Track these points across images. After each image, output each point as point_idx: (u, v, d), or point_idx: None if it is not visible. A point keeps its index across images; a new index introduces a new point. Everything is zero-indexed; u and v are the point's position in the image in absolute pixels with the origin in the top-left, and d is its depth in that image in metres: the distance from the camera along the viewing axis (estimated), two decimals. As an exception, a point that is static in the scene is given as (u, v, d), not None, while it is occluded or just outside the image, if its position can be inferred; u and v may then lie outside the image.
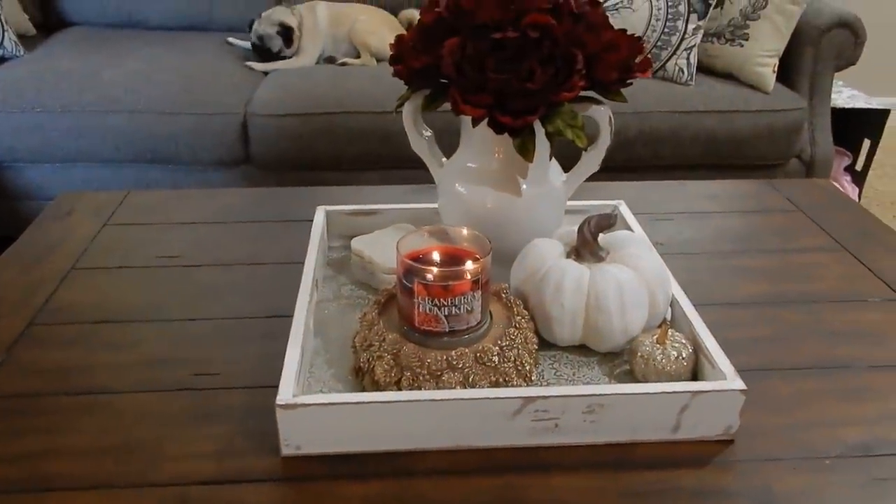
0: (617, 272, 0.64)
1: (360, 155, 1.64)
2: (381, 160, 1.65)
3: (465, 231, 0.63)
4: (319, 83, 1.68)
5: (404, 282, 0.57)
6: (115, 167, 1.65)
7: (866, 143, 2.23)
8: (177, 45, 1.87)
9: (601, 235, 0.68)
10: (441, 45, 0.65)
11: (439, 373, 0.56)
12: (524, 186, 0.72)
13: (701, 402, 0.55)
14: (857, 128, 2.05)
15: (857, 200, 2.08)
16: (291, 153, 1.62)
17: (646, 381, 0.61)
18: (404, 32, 0.80)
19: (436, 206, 0.79)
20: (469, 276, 0.56)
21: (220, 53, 1.86)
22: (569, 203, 0.78)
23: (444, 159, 0.79)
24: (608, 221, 0.67)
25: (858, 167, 2.26)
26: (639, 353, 0.61)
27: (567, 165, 0.76)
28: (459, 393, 0.55)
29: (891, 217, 2.20)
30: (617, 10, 1.76)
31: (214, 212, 0.97)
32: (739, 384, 0.55)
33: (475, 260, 0.60)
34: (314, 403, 0.53)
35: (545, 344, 0.66)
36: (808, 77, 1.76)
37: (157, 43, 1.88)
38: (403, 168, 1.59)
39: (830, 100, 1.78)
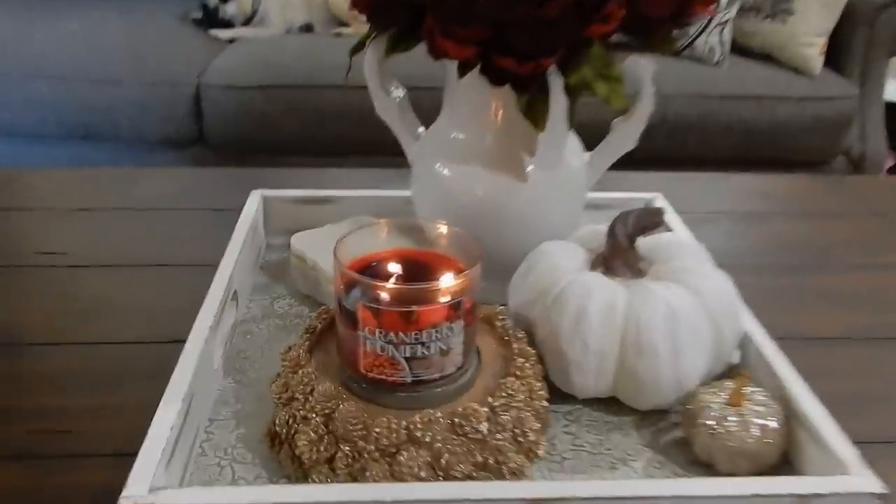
0: (668, 294, 0.45)
1: (333, 139, 1.45)
2: (359, 146, 1.45)
3: (443, 228, 0.44)
4: (287, 52, 1.49)
5: (345, 305, 0.38)
6: (41, 144, 1.45)
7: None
8: (126, 4, 1.67)
9: (640, 239, 0.49)
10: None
11: (394, 449, 0.37)
12: (530, 168, 0.53)
13: (808, 508, 0.36)
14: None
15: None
16: (252, 133, 1.43)
17: (712, 462, 0.42)
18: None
19: (409, 193, 0.60)
20: (445, 297, 0.37)
21: (179, 18, 1.67)
22: (588, 196, 0.59)
23: (420, 129, 0.60)
24: (654, 219, 0.48)
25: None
26: (702, 420, 0.42)
27: (587, 142, 0.57)
28: (425, 488, 0.36)
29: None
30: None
31: (125, 196, 0.78)
32: (873, 483, 0.35)
33: (456, 272, 0.41)
34: None
35: (557, 393, 0.47)
36: (860, 61, 1.58)
37: (103, 2, 1.68)
38: (385, 154, 1.39)
39: (884, 89, 1.60)
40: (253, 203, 0.65)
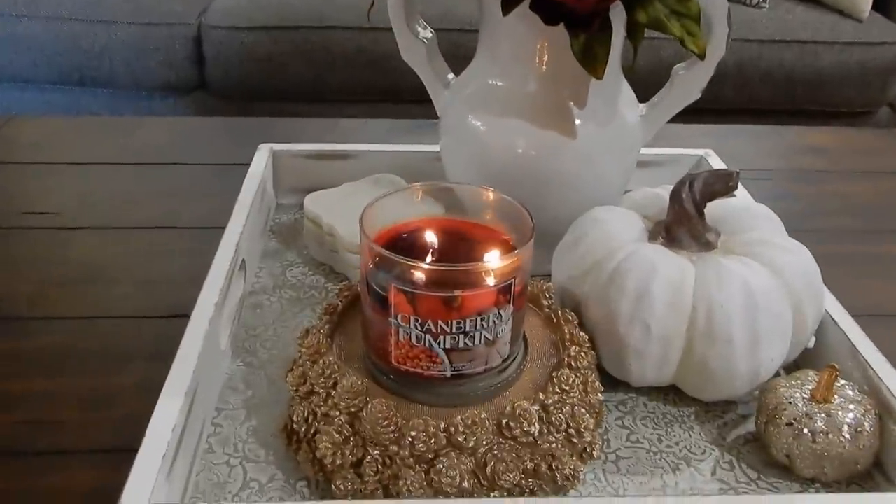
0: (745, 272, 0.39)
1: (344, 83, 1.37)
2: (372, 91, 1.37)
3: (488, 193, 0.38)
4: (295, -11, 1.40)
5: (373, 286, 0.33)
6: (34, 90, 1.38)
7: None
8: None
9: (708, 206, 0.43)
10: None
11: (432, 455, 0.32)
12: (579, 122, 0.47)
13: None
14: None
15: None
16: (257, 78, 1.35)
17: (791, 465, 0.37)
18: None
19: (437, 149, 0.54)
20: (493, 279, 0.32)
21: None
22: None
23: (450, 76, 0.54)
24: (727, 183, 0.42)
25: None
26: (783, 418, 0.37)
27: (637, 89, 0.51)
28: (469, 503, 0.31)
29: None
30: None
31: (120, 149, 0.72)
32: None
33: (503, 247, 0.35)
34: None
35: (608, 378, 0.42)
36: (912, 3, 1.47)
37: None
38: (402, 102, 1.32)
39: (936, 33, 1.50)
40: (261, 159, 0.59)
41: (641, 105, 0.52)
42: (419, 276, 0.31)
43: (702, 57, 0.41)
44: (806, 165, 0.76)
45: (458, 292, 0.31)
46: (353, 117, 1.44)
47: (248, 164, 0.59)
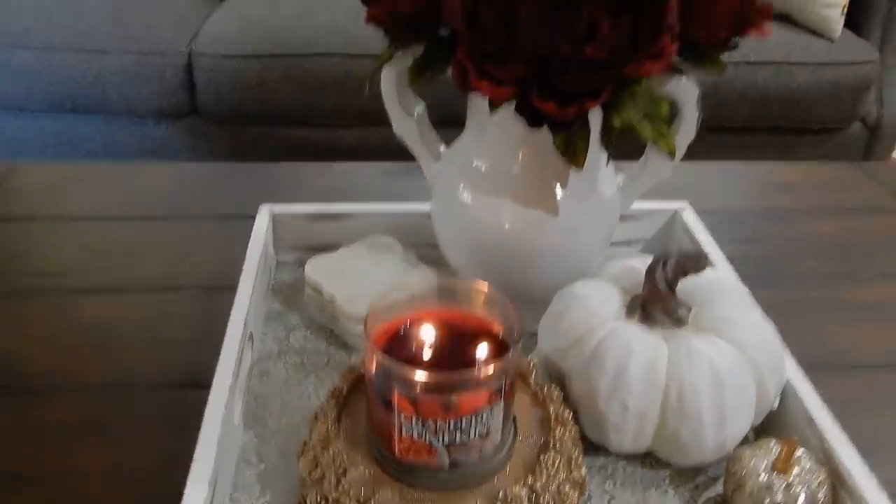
0: (712, 352, 0.43)
1: (333, 108, 1.39)
2: (361, 114, 1.40)
3: (482, 288, 0.41)
4: (284, 15, 1.41)
5: (378, 387, 0.36)
6: (29, 117, 1.39)
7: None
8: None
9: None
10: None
11: (434, 538, 0.36)
12: (561, 199, 0.50)
13: None
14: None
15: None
16: (248, 104, 1.37)
17: (756, 531, 0.41)
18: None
19: (428, 208, 0.57)
20: (487, 385, 0.35)
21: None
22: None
23: (442, 147, 0.57)
24: (697, 264, 0.46)
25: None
26: (747, 487, 0.41)
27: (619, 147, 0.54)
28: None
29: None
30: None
31: (123, 201, 0.74)
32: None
33: (495, 342, 0.38)
34: None
35: (591, 443, 0.45)
36: (882, 21, 1.52)
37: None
38: (388, 125, 1.35)
39: (904, 50, 1.54)
40: (262, 221, 0.61)
41: (619, 175, 0.55)
42: (419, 381, 0.35)
43: (672, 156, 0.44)
44: (775, 203, 0.80)
45: (455, 396, 0.35)
46: (344, 140, 1.48)
47: (246, 215, 0.62)
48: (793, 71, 1.45)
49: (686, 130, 0.50)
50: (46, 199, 0.74)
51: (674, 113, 0.50)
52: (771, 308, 0.49)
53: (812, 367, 0.48)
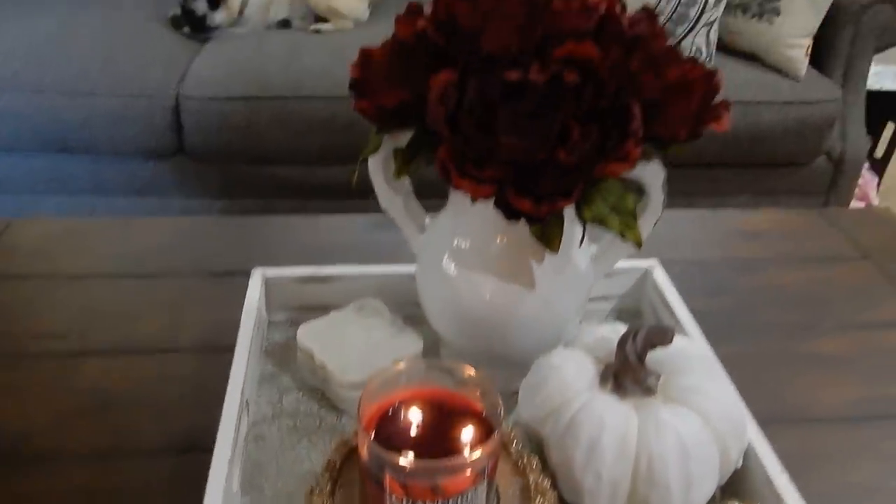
0: (678, 423, 0.46)
1: (320, 148, 1.42)
2: (346, 154, 1.43)
3: (468, 371, 0.44)
4: (270, 57, 1.45)
5: (371, 469, 0.39)
6: (19, 156, 1.41)
7: (890, 127, 2.08)
8: (94, 3, 1.60)
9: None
10: (426, 77, 0.45)
11: None
12: (537, 273, 0.54)
13: None
14: (881, 110, 1.89)
15: (874, 191, 1.93)
16: (235, 145, 1.40)
17: (719, 591, 0.44)
18: None
19: (412, 269, 0.60)
20: (471, 468, 0.38)
21: (148, 14, 1.60)
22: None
23: (426, 220, 0.60)
24: (664, 337, 0.49)
25: (878, 154, 2.11)
26: (710, 551, 0.44)
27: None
28: None
29: (915, 215, 2.07)
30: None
31: (119, 257, 0.76)
32: None
33: (479, 421, 0.41)
34: None
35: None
36: (844, 61, 1.58)
37: (70, 2, 1.61)
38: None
39: (866, 87, 1.61)
40: (255, 285, 0.64)
41: (593, 245, 0.59)
42: (408, 468, 0.38)
43: (639, 246, 0.48)
44: (740, 253, 0.83)
45: (441, 481, 0.38)
46: (331, 178, 1.51)
47: (238, 272, 0.64)
48: (760, 110, 1.51)
49: (652, 211, 0.54)
50: (40, 257, 0.76)
51: (641, 192, 0.54)
52: (733, 362, 0.53)
53: (771, 421, 0.52)
